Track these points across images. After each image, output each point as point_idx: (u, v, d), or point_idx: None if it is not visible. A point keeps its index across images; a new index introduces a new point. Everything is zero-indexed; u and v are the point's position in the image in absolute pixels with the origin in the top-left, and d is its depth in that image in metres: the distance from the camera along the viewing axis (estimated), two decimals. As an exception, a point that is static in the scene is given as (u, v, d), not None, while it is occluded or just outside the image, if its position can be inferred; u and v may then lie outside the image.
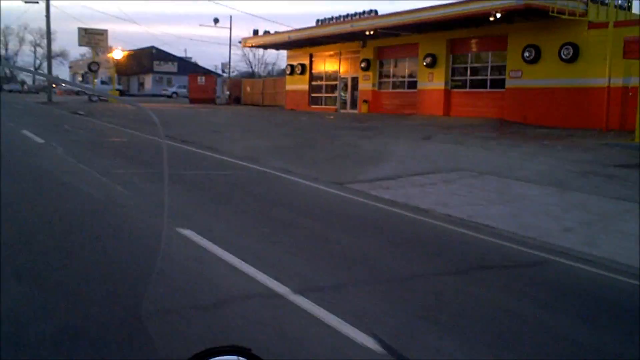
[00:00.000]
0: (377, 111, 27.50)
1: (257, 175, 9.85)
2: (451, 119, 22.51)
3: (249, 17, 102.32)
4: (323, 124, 21.87)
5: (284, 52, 35.54)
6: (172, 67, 63.05)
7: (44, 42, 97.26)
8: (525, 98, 20.99)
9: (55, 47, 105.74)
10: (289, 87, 34.64)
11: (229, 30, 44.42)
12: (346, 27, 25.77)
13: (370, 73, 28.35)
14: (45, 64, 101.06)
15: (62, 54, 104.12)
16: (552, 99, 20.07)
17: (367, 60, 28.29)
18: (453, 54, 24.50)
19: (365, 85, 28.65)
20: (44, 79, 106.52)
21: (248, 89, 39.25)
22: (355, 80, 29.72)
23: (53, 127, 16.98)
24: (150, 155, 11.47)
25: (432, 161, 11.69)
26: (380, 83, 28.36)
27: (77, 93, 60.30)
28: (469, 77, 23.91)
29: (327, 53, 31.63)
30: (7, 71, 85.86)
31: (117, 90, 42.12)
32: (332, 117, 26.14)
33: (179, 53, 65.84)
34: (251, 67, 51.24)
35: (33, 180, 8.44)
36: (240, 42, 33.67)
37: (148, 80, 62.90)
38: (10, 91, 75.21)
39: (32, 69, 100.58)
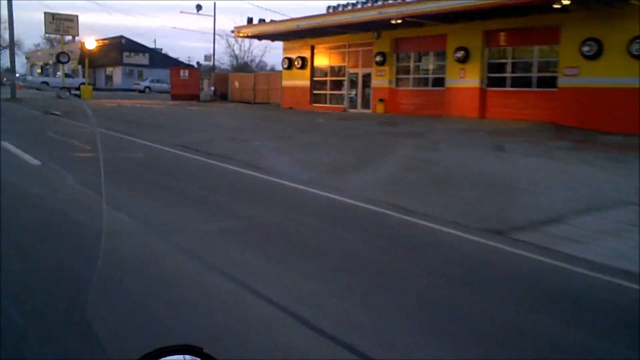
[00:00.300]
0: (395, 111, 24.73)
1: (370, 218, 6.81)
2: (492, 123, 19.84)
3: (233, 6, 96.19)
4: (350, 127, 18.93)
5: (273, 45, 32.58)
6: (143, 59, 58.93)
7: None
8: (583, 99, 18.49)
9: (8, 36, 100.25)
10: (286, 83, 31.55)
11: (209, 19, 40.94)
12: (369, 15, 22.83)
13: (386, 68, 25.55)
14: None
15: (17, 44, 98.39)
16: (618, 100, 17.62)
17: (383, 54, 25.47)
18: (489, 48, 21.88)
19: (380, 82, 25.82)
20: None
21: (236, 84, 35.92)
22: (367, 77, 26.86)
23: (35, 135, 13.57)
24: (190, 180, 8.41)
25: (564, 188, 8.91)
26: (398, 80, 25.57)
27: (39, 88, 55.75)
28: (509, 75, 21.31)
29: (331, 45, 28.68)
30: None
31: (90, 84, 38.09)
32: (348, 118, 23.22)
33: (149, 44, 61.77)
34: (236, 60, 47.33)
35: (67, 249, 5.28)
36: (232, 32, 30.42)
37: (117, 73, 58.67)
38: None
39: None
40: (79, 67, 66.88)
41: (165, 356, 1.07)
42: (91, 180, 7.75)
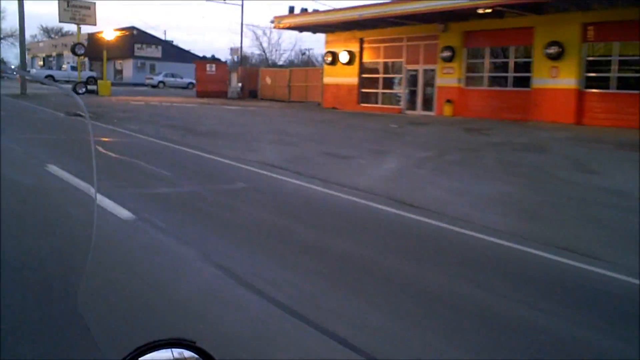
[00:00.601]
0: (465, 114, 21.90)
1: None
2: (600, 131, 17.03)
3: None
4: (438, 135, 16.08)
5: (303, 37, 29.73)
6: (155, 51, 55.92)
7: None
8: None
9: (6, 26, 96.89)
10: (328, 79, 28.70)
11: (234, 9, 37.91)
12: (444, 4, 19.97)
13: (454, 65, 22.72)
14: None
15: (13, 35, 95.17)
16: None
17: (451, 49, 22.62)
18: (589, 43, 19.05)
19: (447, 80, 22.99)
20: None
21: (268, 80, 33.02)
22: (429, 74, 24.03)
23: (82, 152, 10.70)
24: (345, 234, 5.54)
25: None
26: (468, 78, 22.74)
27: (43, 82, 52.77)
28: (614, 74, 18.48)
29: (384, 38, 25.82)
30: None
31: (98, 78, 35.14)
32: (420, 123, 20.36)
33: (158, 36, 58.82)
34: (264, 53, 43.99)
35: None
36: (272, 22, 27.50)
37: (127, 67, 55.69)
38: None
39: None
40: (86, 59, 64.07)
41: (156, 349, 1.05)
42: (221, 249, 4.94)
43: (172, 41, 62.64)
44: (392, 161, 10.80)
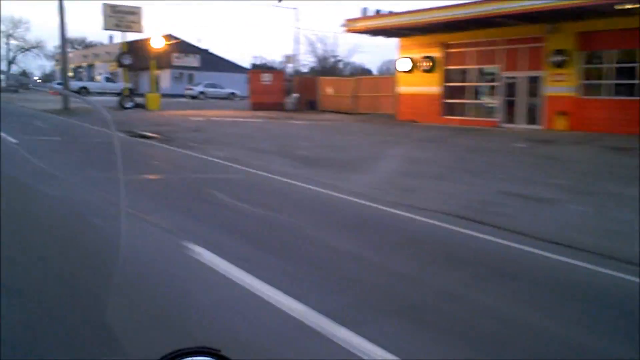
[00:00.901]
0: (583, 128, 18.84)
1: None
2: None
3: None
4: (589, 159, 13.14)
5: (362, 43, 26.89)
6: (194, 60, 53.68)
7: (18, 32, 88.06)
8: None
9: (31, 37, 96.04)
10: (403, 89, 25.90)
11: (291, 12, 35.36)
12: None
13: (567, 71, 19.73)
14: (20, 57, 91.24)
15: (39, 46, 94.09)
16: None
17: (563, 52, 19.65)
18: None
19: (559, 89, 19.98)
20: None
21: (329, 90, 30.29)
22: (533, 81, 21.06)
23: (201, 202, 7.88)
24: None
25: None
26: (587, 86, 19.72)
27: (77, 92, 50.78)
28: None
29: (473, 41, 22.95)
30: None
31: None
32: (547, 141, 17.33)
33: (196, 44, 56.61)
34: (319, 61, 40.85)
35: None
36: (344, 26, 24.78)
37: (165, 77, 53.45)
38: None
39: (5, 62, 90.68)
40: (119, 70, 62.16)
41: (182, 358, 1.06)
42: None
43: (208, 50, 60.44)
44: (617, 205, 7.89)
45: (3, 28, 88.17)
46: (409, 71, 25.49)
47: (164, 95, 49.51)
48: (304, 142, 15.35)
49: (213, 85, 49.12)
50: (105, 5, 26.61)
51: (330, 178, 9.57)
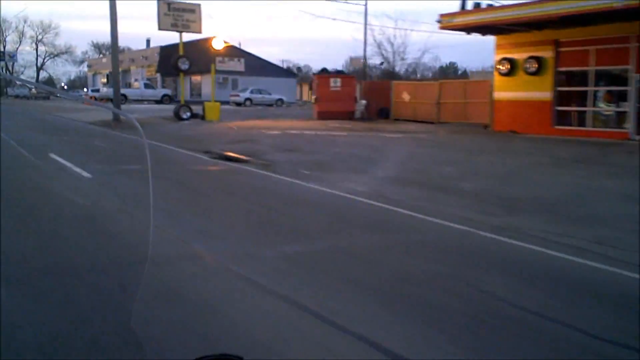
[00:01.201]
0: None
1: None
2: None
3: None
4: None
5: (439, 40, 23.69)
6: (238, 65, 50.90)
7: (47, 37, 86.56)
8: None
9: (60, 42, 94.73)
10: (501, 94, 22.67)
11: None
12: None
13: None
14: (48, 62, 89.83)
15: (68, 51, 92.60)
16: None
17: None
18: None
19: None
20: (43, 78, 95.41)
21: (405, 96, 27.13)
22: (681, 85, 17.68)
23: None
24: None
25: None
26: None
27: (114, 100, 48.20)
28: None
29: (597, 38, 19.62)
30: (10, 69, 74.64)
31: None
32: None
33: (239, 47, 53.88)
34: (386, 61, 37.24)
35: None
36: (439, 22, 21.65)
37: (206, 82, 50.86)
38: (17, 97, 63.55)
39: (35, 68, 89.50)
40: (157, 75, 59.87)
41: None
42: None
43: (252, 53, 57.85)
44: None
45: (32, 33, 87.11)
46: (508, 74, 22.24)
47: (207, 102, 47.01)
48: (446, 167, 12.21)
49: (259, 91, 46.41)
50: (161, 3, 23.90)
51: (584, 238, 6.43)
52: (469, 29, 22.19)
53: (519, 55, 21.89)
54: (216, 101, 26.98)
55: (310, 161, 12.41)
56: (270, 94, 47.67)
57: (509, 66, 22.20)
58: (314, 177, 10.46)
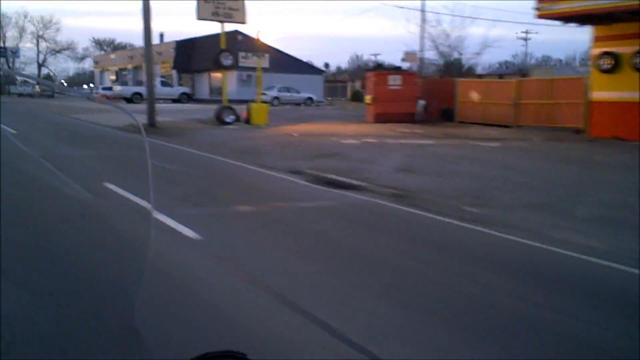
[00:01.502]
0: None
1: None
2: None
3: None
4: None
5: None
6: (263, 61, 47.85)
7: (48, 32, 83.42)
8: None
9: (62, 39, 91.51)
10: (601, 94, 19.61)
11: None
12: None
13: None
14: (50, 59, 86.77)
15: (70, 48, 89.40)
16: None
17: None
18: None
19: None
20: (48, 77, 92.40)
21: (474, 95, 24.04)
22: None
23: None
24: None
25: None
26: None
27: (130, 99, 45.38)
28: None
29: None
30: (10, 67, 71.59)
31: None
32: None
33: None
34: (442, 57, 33.76)
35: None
36: (537, 9, 18.61)
37: (230, 80, 47.82)
38: (20, 95, 60.50)
39: (35, 64, 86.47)
40: (173, 71, 56.82)
41: None
42: None
43: (278, 49, 54.67)
44: None
45: (32, 29, 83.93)
46: (611, 70, 19.19)
47: (230, 102, 44.03)
48: (624, 195, 9.15)
49: (287, 90, 43.37)
50: (200, -8, 20.90)
51: None
52: (567, 17, 19.12)
53: (625, 49, 18.83)
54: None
55: (454, 189, 9.37)
56: (298, 92, 44.64)
57: (612, 61, 19.13)
58: (489, 218, 7.45)
